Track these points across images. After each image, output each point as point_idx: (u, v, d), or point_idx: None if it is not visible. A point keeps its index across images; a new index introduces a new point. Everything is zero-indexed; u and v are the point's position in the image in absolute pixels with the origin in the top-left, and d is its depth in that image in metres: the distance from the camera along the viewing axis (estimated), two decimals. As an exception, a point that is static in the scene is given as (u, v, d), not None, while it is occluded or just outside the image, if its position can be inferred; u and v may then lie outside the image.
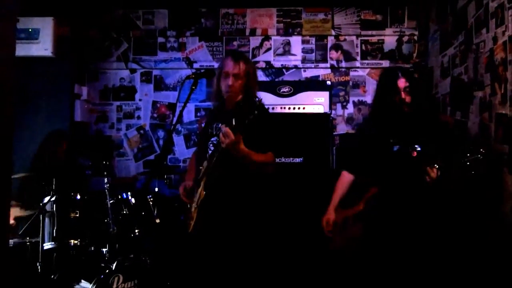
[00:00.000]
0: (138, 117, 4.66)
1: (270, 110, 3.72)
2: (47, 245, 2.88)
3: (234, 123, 2.35)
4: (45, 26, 4.10)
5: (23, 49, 3.96)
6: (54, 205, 2.92)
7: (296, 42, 4.59)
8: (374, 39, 4.53)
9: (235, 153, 2.43)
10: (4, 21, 1.32)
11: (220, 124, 2.55)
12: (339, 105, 4.50)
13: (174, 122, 4.34)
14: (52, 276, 2.85)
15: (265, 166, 2.63)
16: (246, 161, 2.52)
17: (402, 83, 2.64)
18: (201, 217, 2.62)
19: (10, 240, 2.84)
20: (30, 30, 4.06)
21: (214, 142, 2.68)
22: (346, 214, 2.88)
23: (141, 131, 4.66)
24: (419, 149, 2.47)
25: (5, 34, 1.30)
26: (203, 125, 4.36)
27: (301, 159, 3.64)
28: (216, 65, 4.46)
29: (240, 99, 2.68)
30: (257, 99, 2.43)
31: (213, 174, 2.59)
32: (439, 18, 4.05)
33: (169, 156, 4.55)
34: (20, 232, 3.04)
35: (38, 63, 4.17)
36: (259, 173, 2.65)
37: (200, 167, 2.71)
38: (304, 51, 4.58)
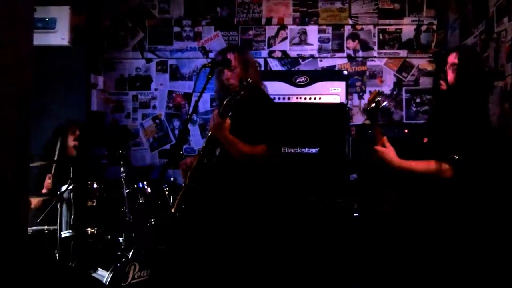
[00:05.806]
0: (154, 107, 4.67)
1: (286, 100, 3.70)
2: (65, 233, 2.91)
3: (221, 109, 2.38)
4: (62, 15, 4.11)
5: (40, 39, 3.96)
6: (71, 194, 2.95)
7: (312, 31, 4.54)
8: (392, 28, 4.45)
9: (219, 137, 2.45)
10: (22, 11, 1.32)
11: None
12: (355, 95, 4.45)
13: (189, 112, 4.33)
14: (70, 264, 2.89)
15: (252, 158, 2.54)
16: (230, 149, 2.50)
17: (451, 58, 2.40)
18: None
19: (29, 228, 2.88)
20: (47, 19, 4.07)
21: None
22: None
23: (157, 121, 4.67)
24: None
25: (24, 24, 1.31)
26: (218, 115, 4.41)
27: (317, 149, 3.61)
28: (231, 54, 4.46)
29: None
30: (245, 83, 2.38)
31: (206, 154, 2.58)
32: (459, 6, 3.97)
33: (184, 146, 4.57)
34: (38, 220, 3.08)
35: (55, 52, 4.18)
36: (248, 163, 2.56)
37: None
38: (321, 40, 4.52)
